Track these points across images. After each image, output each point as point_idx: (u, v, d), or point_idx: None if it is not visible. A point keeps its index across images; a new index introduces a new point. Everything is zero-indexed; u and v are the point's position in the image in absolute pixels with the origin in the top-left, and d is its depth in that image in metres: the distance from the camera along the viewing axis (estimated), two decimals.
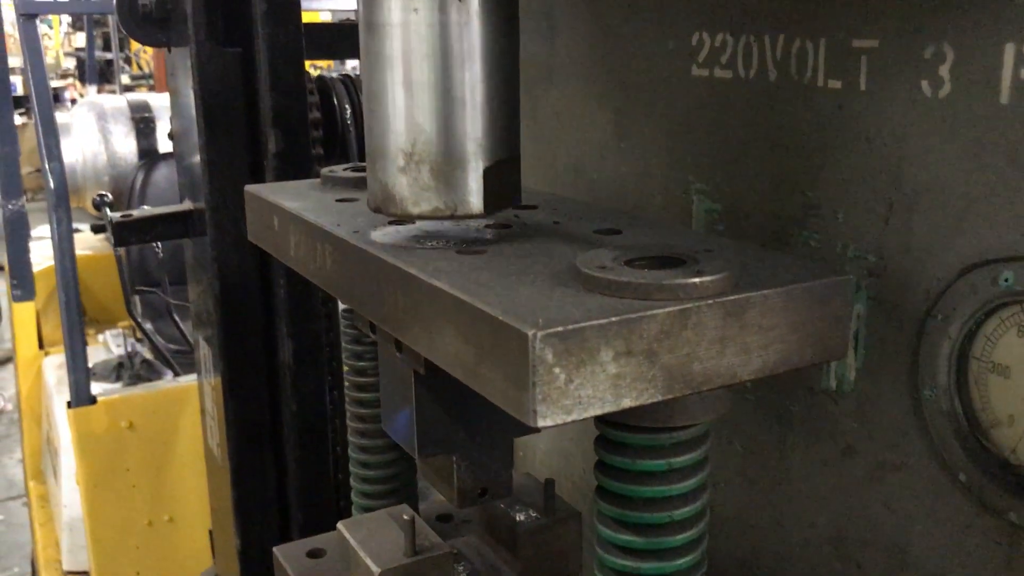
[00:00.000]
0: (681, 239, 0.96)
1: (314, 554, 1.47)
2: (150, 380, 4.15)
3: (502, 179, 0.95)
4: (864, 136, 1.03)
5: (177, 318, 4.24)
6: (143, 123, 5.54)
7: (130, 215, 2.21)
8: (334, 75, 2.62)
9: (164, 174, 5.15)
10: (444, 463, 1.16)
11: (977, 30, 0.90)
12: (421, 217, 0.95)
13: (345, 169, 1.34)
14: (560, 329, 0.70)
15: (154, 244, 4.25)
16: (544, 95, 1.57)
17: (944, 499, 1.00)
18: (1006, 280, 0.90)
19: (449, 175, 0.93)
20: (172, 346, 4.26)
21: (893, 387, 1.04)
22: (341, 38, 2.40)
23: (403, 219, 1.02)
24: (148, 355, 4.61)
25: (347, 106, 2.54)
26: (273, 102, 2.05)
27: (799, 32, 1.09)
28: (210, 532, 3.16)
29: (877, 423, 1.07)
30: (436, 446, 1.10)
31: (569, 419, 0.72)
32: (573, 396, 0.72)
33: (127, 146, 5.51)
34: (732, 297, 0.77)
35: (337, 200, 1.21)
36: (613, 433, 0.84)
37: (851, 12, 1.02)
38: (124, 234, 2.21)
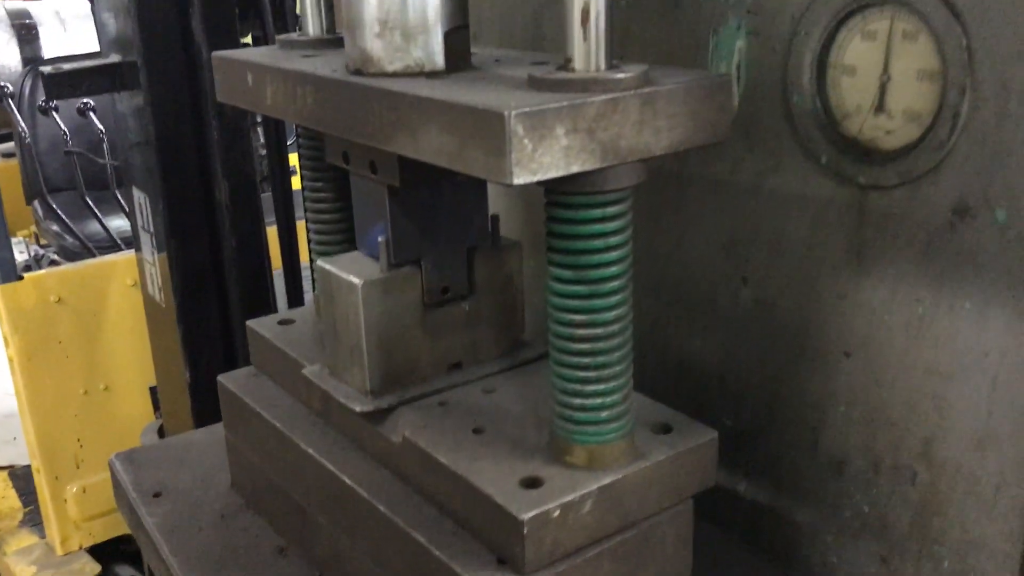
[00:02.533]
0: None
1: (284, 322, 1.69)
2: None
3: (458, 42, 1.19)
4: None
5: (98, 211, 4.29)
6: (24, 30, 5.44)
7: (61, 68, 2.31)
8: None
9: None
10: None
11: None
12: (395, 74, 1.17)
13: (299, 35, 1.52)
14: (527, 110, 0.93)
15: (64, 134, 4.26)
16: None
17: (810, 181, 1.27)
18: None
19: (417, 38, 1.17)
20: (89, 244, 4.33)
21: (769, 103, 1.30)
22: None
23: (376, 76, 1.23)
24: (54, 256, 4.64)
25: None
26: None
27: None
28: (151, 389, 3.31)
29: (758, 137, 1.33)
30: (407, 253, 1.32)
31: (534, 179, 0.95)
32: (537, 161, 0.95)
33: (9, 55, 5.40)
34: (646, 90, 1.01)
35: (303, 56, 1.40)
36: (560, 199, 1.08)
37: None
38: (56, 86, 2.31)
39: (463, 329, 1.42)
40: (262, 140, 3.12)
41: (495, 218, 1.45)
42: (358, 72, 1.20)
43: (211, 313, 2.46)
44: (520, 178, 0.95)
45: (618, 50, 1.49)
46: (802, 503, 1.40)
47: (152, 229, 2.50)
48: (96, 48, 3.49)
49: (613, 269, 1.11)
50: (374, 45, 1.18)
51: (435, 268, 1.36)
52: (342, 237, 1.58)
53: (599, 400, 1.16)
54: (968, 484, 1.18)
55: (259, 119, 3.06)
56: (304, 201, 1.64)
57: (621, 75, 1.01)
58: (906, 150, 1.16)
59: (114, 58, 2.40)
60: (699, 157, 1.42)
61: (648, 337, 1.58)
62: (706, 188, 1.42)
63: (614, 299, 1.13)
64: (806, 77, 1.24)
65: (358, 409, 1.33)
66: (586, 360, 1.14)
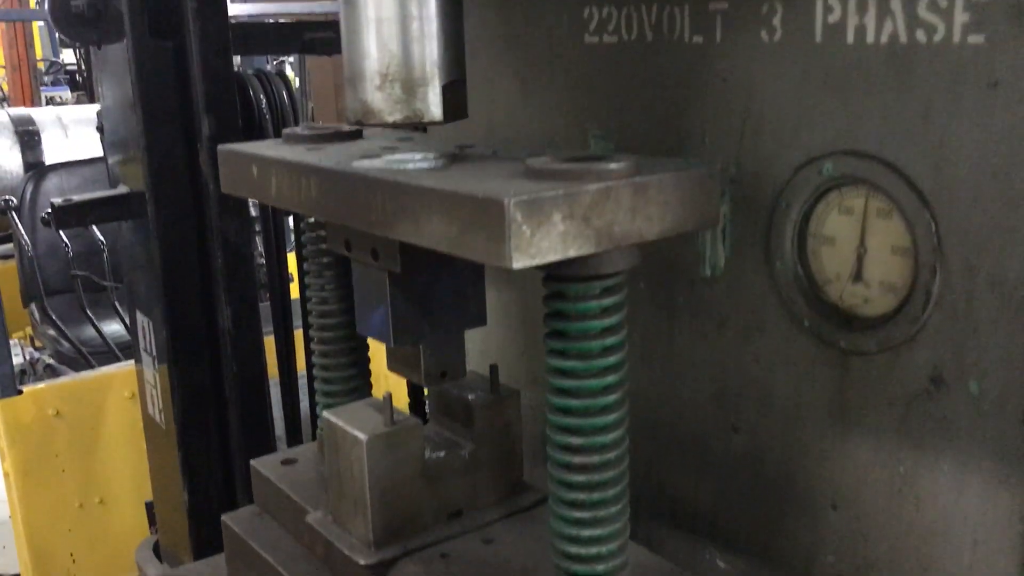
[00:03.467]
0: (594, 152, 1.28)
1: (287, 462, 1.73)
2: None
3: (455, 95, 1.27)
4: (721, 77, 1.36)
5: (91, 315, 4.34)
6: (27, 136, 5.56)
7: (71, 200, 2.39)
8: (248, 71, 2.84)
9: (55, 184, 5.20)
10: (410, 353, 1.44)
11: None
12: (396, 125, 1.24)
13: (302, 128, 1.60)
14: (526, 198, 1.00)
15: (64, 243, 4.33)
16: None
17: (794, 343, 1.34)
18: (827, 170, 1.24)
19: (416, 90, 1.24)
20: (84, 348, 4.36)
21: (753, 266, 1.37)
22: (259, 35, 2.63)
23: (377, 126, 1.30)
24: (49, 360, 4.68)
25: (262, 97, 2.77)
26: (206, 90, 2.28)
27: (668, 1, 1.41)
28: (147, 504, 3.32)
29: (743, 297, 1.40)
30: (407, 336, 1.38)
31: (533, 263, 1.01)
32: (536, 246, 1.01)
33: (12, 160, 5.52)
34: (638, 179, 1.08)
35: (307, 149, 1.47)
36: (558, 285, 1.14)
37: None
38: (64, 217, 2.39)
39: (463, 477, 1.47)
40: (260, 249, 3.20)
41: (494, 367, 1.51)
42: (359, 123, 1.27)
43: (211, 437, 2.50)
44: (519, 262, 1.00)
45: None
46: None
47: (155, 352, 2.55)
48: (98, 153, 3.58)
49: (612, 358, 1.16)
50: (375, 97, 1.25)
51: (433, 352, 1.41)
52: (345, 376, 1.64)
53: (596, 549, 1.19)
54: None
55: (258, 229, 3.15)
56: (309, 345, 1.70)
57: (614, 165, 1.08)
58: (884, 319, 1.23)
59: (122, 189, 2.48)
60: (688, 308, 1.49)
61: (643, 477, 1.63)
62: (695, 339, 1.49)
63: (611, 378, 1.17)
64: (788, 245, 1.32)
65: (362, 562, 1.37)
66: (583, 479, 1.17)
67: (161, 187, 2.33)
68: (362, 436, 1.36)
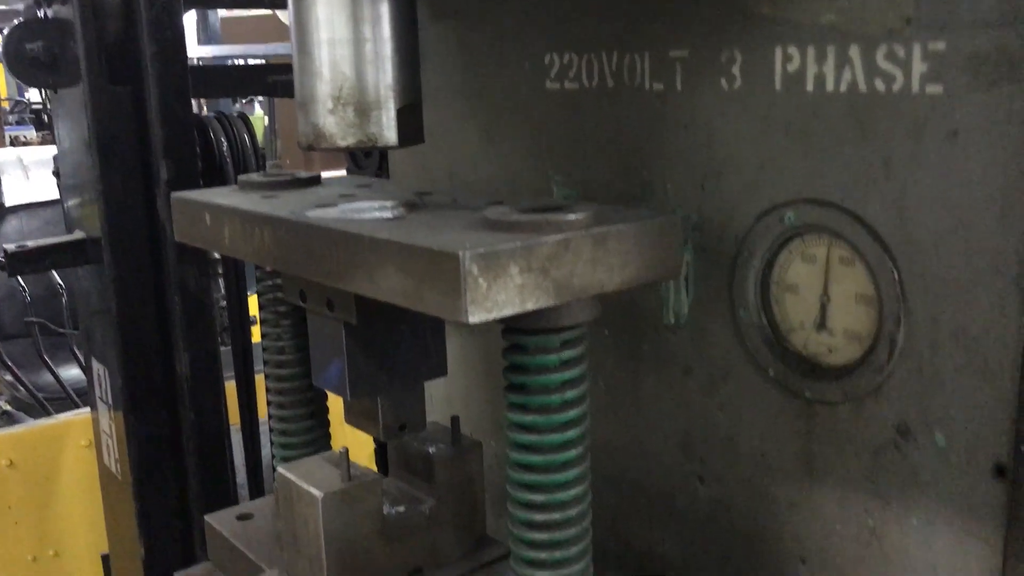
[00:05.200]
0: (553, 202, 1.25)
1: (243, 517, 1.68)
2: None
3: (411, 119, 1.24)
4: (682, 124, 1.35)
5: (49, 361, 4.25)
6: None
7: (25, 245, 2.34)
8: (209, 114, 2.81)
9: (14, 226, 5.11)
10: (368, 406, 1.40)
11: (756, 39, 1.23)
12: (348, 148, 1.21)
13: (259, 175, 1.57)
14: (482, 251, 0.97)
15: (21, 288, 4.25)
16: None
17: (760, 393, 1.32)
18: (789, 218, 1.23)
19: (370, 114, 1.21)
20: (41, 394, 4.26)
21: (717, 314, 1.36)
22: (220, 78, 2.61)
23: (330, 150, 1.26)
24: (7, 407, 4.57)
25: (223, 140, 2.74)
26: (164, 135, 2.25)
27: (629, 48, 1.41)
28: (103, 557, 3.22)
29: (707, 345, 1.38)
30: (364, 389, 1.34)
31: (489, 317, 0.99)
32: (492, 299, 0.99)
33: None
34: (597, 229, 1.06)
35: (262, 197, 1.44)
36: (516, 337, 1.11)
37: (667, 30, 1.34)
38: (18, 264, 2.33)
39: (423, 533, 1.43)
40: (222, 291, 3.15)
41: (455, 419, 1.48)
42: (310, 147, 1.24)
43: (169, 488, 2.43)
44: (476, 316, 0.97)
45: None
46: None
47: (110, 400, 2.49)
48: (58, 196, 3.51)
49: (572, 412, 1.13)
50: (327, 121, 1.22)
51: (392, 405, 1.37)
52: (303, 428, 1.60)
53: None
54: None
55: (220, 270, 3.10)
56: (268, 394, 1.66)
57: (572, 216, 1.05)
58: (848, 369, 1.21)
59: (78, 235, 2.43)
60: (652, 357, 1.47)
61: (610, 530, 1.59)
62: (661, 388, 1.46)
63: (572, 433, 1.14)
64: (751, 293, 1.30)
65: None
66: (545, 538, 1.14)
67: (117, 233, 2.29)
68: (317, 493, 1.31)
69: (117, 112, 2.24)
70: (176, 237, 1.56)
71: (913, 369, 1.13)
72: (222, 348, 2.74)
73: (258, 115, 11.10)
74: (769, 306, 1.30)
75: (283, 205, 1.34)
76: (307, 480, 1.35)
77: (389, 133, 1.23)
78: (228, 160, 2.77)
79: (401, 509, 1.42)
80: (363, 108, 1.21)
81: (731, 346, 1.34)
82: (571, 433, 1.13)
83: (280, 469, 1.40)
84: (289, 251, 1.25)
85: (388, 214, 1.21)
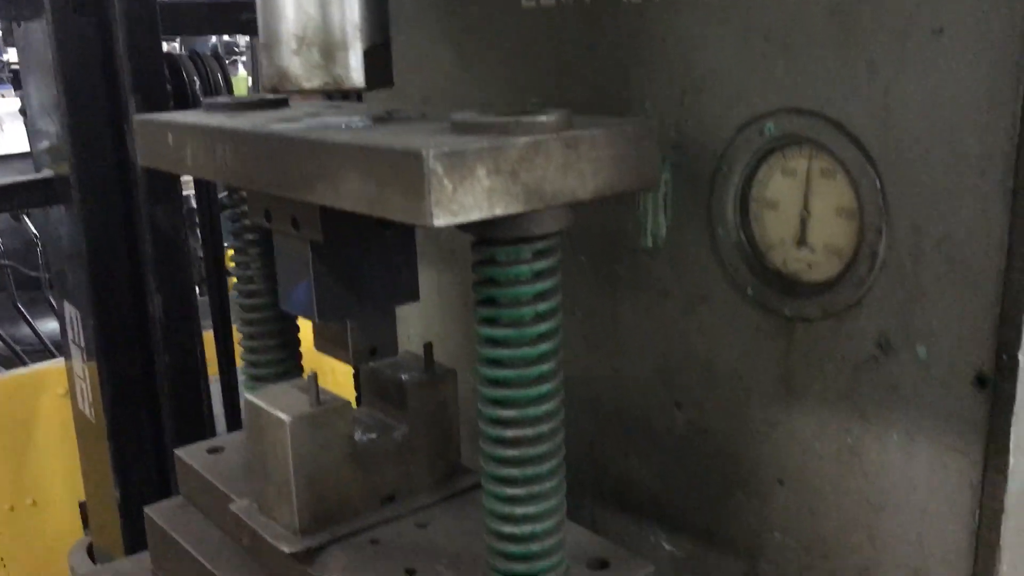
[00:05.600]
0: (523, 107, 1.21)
1: (214, 450, 1.64)
2: None
3: (378, 60, 1.19)
4: (660, 38, 1.31)
5: (25, 312, 4.19)
6: None
7: None
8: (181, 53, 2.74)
9: None
10: (338, 331, 1.36)
11: None
12: (313, 91, 1.16)
13: (225, 97, 1.52)
14: (447, 150, 0.93)
15: None
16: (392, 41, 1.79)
17: (738, 312, 1.29)
18: (770, 130, 1.19)
19: (335, 55, 1.15)
20: (18, 347, 4.21)
21: (695, 235, 1.32)
22: (192, 14, 2.54)
23: (293, 94, 1.22)
24: None
25: (195, 79, 2.67)
26: (132, 68, 2.19)
27: None
28: (81, 504, 3.20)
29: (685, 267, 1.35)
30: (333, 311, 1.31)
31: (456, 220, 0.95)
32: (458, 203, 0.94)
33: None
34: (570, 133, 1.02)
35: (226, 116, 1.39)
36: (486, 249, 1.07)
37: None
38: None
39: (396, 460, 1.40)
40: (200, 240, 3.10)
41: (428, 345, 1.44)
42: (275, 90, 1.19)
43: (143, 430, 2.40)
44: (441, 219, 0.93)
45: None
46: None
47: (83, 344, 2.45)
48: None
49: (544, 326, 1.09)
50: (292, 62, 1.17)
51: (363, 328, 1.34)
52: (274, 364, 1.57)
53: (530, 528, 1.13)
54: None
55: (197, 220, 3.04)
56: (233, 311, 1.62)
57: (543, 118, 1.01)
58: (828, 284, 1.18)
59: (47, 173, 2.37)
60: (630, 281, 1.43)
61: (587, 457, 1.57)
62: (639, 312, 1.43)
63: (545, 346, 1.10)
64: (730, 211, 1.26)
65: (286, 550, 1.29)
66: (516, 453, 1.11)
67: (86, 170, 2.23)
68: (285, 417, 1.28)
69: (82, 44, 2.18)
70: (140, 161, 1.51)
71: (894, 281, 1.10)
72: (201, 299, 2.70)
73: (241, 76, 10.94)
74: (748, 224, 1.26)
75: (246, 122, 1.29)
76: (275, 405, 1.31)
77: (356, 75, 1.17)
78: (201, 99, 2.72)
79: (373, 436, 1.39)
80: (328, 49, 1.16)
81: (709, 266, 1.31)
82: (544, 347, 1.09)
83: (247, 395, 1.37)
84: (251, 165, 1.20)
85: (354, 126, 1.17)
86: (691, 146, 1.30)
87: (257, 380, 1.56)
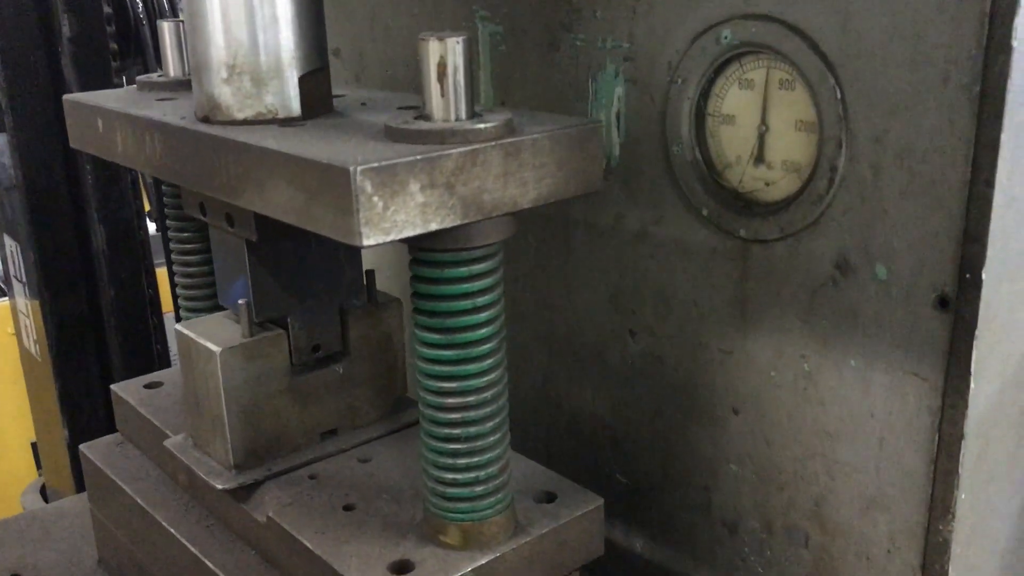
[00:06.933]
0: None
1: (151, 386, 1.58)
2: None
3: (316, 86, 1.10)
4: None
5: None
6: None
7: None
8: None
9: None
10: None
11: None
12: (246, 122, 1.08)
13: (159, 76, 1.42)
14: (376, 164, 0.85)
15: None
16: None
17: (693, 234, 1.22)
18: (726, 37, 1.11)
19: (268, 83, 1.07)
20: None
21: (649, 153, 1.25)
22: None
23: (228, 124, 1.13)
24: None
25: (139, 2, 2.55)
26: None
27: None
28: (33, 444, 3.13)
29: (639, 188, 1.28)
30: (271, 310, 1.24)
31: (388, 239, 0.87)
32: (390, 220, 0.87)
33: None
34: (509, 140, 0.94)
35: (157, 100, 1.30)
36: (426, 256, 1.01)
37: None
38: None
39: (337, 393, 1.34)
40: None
41: (370, 273, 1.37)
42: (206, 120, 1.11)
43: (90, 367, 2.32)
44: (371, 239, 0.87)
45: (500, 95, 1.44)
46: (699, 564, 1.34)
47: (24, 279, 2.36)
48: None
49: (483, 331, 1.04)
50: (222, 91, 1.09)
51: (303, 326, 1.28)
52: (210, 291, 1.49)
53: (473, 474, 1.08)
54: (860, 547, 1.14)
55: None
56: (168, 252, 1.55)
57: (482, 125, 0.94)
58: (786, 203, 1.12)
59: None
60: (582, 207, 1.36)
61: (540, 390, 1.52)
62: (591, 238, 1.37)
63: (486, 363, 1.05)
64: (685, 127, 1.19)
65: (220, 486, 1.23)
66: (457, 431, 1.07)
67: (19, 94, 2.12)
68: (215, 348, 1.21)
69: None
70: (71, 144, 1.42)
71: (854, 198, 1.04)
72: (156, 234, 2.61)
73: None
74: (704, 141, 1.19)
75: (176, 109, 1.20)
76: (206, 336, 1.24)
77: (291, 104, 1.09)
78: (144, 23, 2.60)
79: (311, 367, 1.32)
80: (260, 77, 1.08)
81: (664, 187, 1.24)
82: (486, 363, 1.05)
83: (178, 327, 1.30)
84: (181, 162, 1.12)
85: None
86: (644, 58, 1.22)
87: (192, 313, 1.48)
